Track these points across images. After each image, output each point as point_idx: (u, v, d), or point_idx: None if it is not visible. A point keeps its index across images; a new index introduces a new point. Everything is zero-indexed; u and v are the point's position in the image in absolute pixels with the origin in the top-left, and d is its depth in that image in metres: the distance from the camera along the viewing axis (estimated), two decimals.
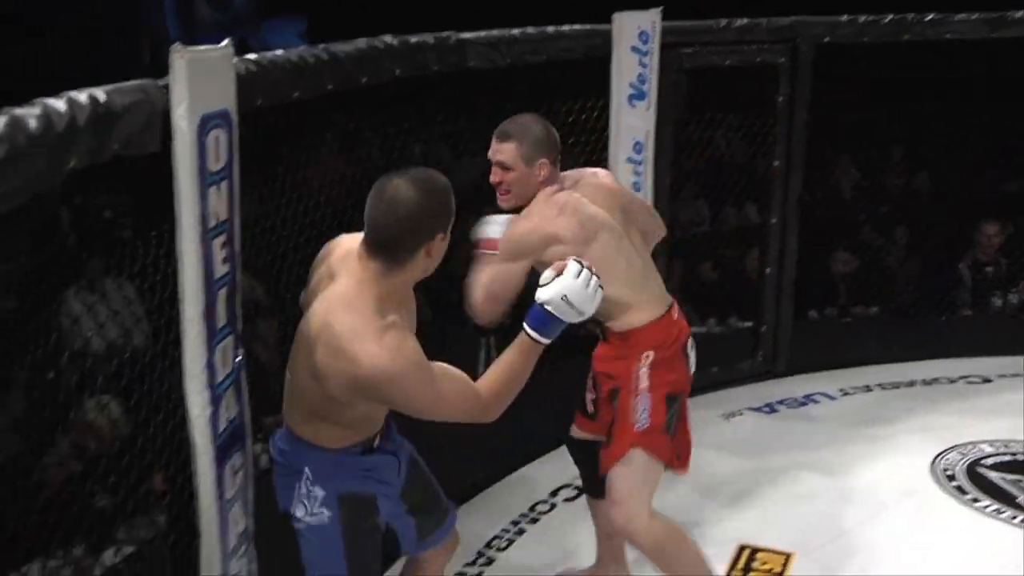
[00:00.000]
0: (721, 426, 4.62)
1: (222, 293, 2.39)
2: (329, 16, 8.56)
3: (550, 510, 3.89)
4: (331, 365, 2.15)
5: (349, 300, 2.17)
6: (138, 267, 2.38)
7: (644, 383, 2.84)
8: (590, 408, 3.08)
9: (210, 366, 2.37)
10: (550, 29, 3.98)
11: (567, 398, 3.17)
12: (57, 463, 2.84)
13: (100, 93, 2.02)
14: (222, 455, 2.44)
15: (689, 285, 5.49)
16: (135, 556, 2.56)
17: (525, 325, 2.31)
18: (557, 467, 3.81)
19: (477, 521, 3.74)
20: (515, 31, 3.85)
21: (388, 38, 3.23)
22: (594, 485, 3.11)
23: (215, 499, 2.42)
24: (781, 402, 4.88)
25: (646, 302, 2.87)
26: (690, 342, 2.95)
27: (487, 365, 2.88)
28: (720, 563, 3.50)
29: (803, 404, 4.87)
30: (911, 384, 5.08)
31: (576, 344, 3.10)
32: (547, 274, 2.33)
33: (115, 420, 2.62)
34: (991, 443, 4.33)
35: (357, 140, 3.51)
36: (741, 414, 4.76)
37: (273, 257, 2.95)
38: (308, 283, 2.37)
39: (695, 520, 3.78)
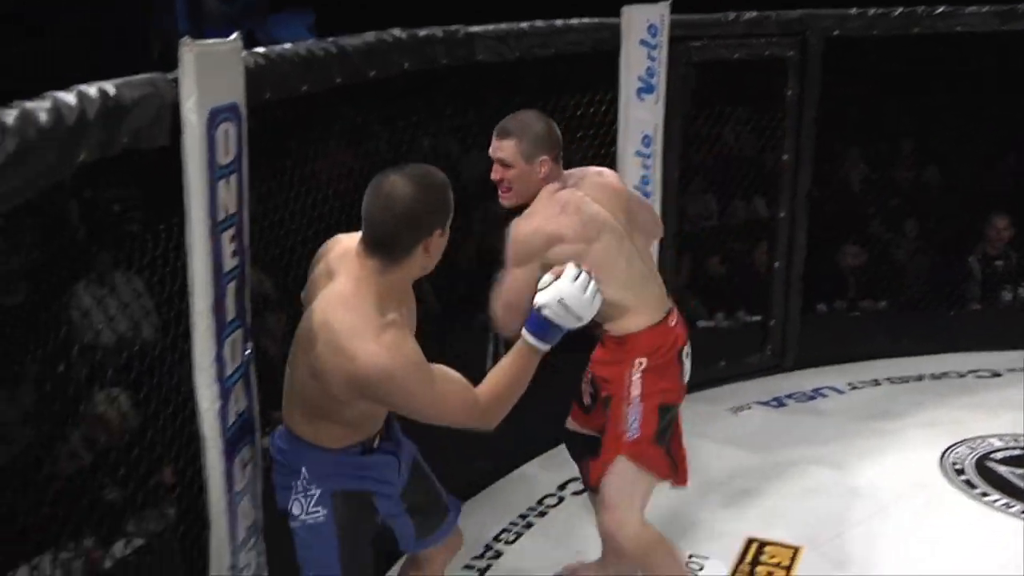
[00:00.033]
0: (729, 420, 4.62)
1: (231, 286, 2.39)
2: (337, 9, 8.56)
3: (558, 504, 3.90)
4: (330, 363, 2.15)
5: (348, 298, 2.16)
6: (147, 260, 2.38)
7: (636, 390, 2.81)
8: (587, 400, 3.06)
9: (219, 359, 2.37)
10: (559, 23, 3.98)
11: (576, 393, 3.17)
12: (68, 455, 2.86)
13: (109, 87, 2.02)
14: (231, 448, 2.44)
15: (698, 279, 5.49)
16: (145, 548, 2.57)
17: (524, 330, 2.30)
18: (565, 461, 3.81)
19: (485, 514, 3.74)
20: (524, 24, 3.84)
21: (396, 31, 3.22)
22: (590, 480, 3.10)
23: (224, 492, 2.42)
24: (789, 396, 4.87)
25: (644, 306, 2.84)
26: (686, 349, 2.91)
27: (495, 360, 2.88)
28: (728, 557, 3.51)
29: (811, 398, 4.87)
30: (920, 378, 5.07)
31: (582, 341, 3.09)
32: (545, 278, 2.33)
33: (125, 413, 2.62)
34: (1000, 437, 4.32)
35: (365, 133, 3.51)
36: (749, 408, 4.75)
37: (282, 250, 2.95)
38: (307, 282, 2.37)
39: (703, 514, 3.79)
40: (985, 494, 3.90)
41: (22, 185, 1.72)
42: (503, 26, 3.74)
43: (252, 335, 2.53)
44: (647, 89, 4.20)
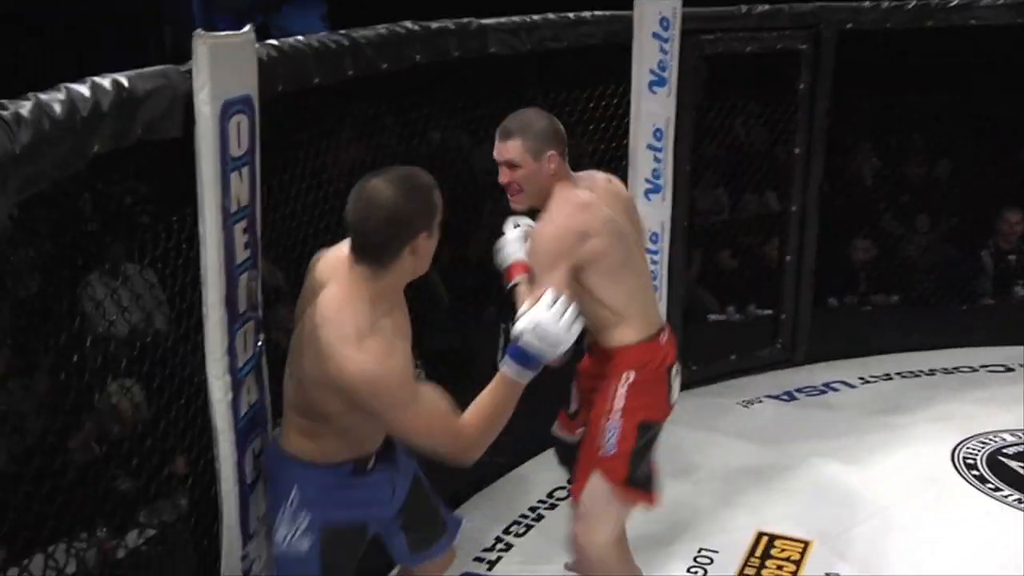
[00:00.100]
0: (740, 414, 4.62)
1: (243, 278, 2.41)
2: (349, 1, 8.56)
3: (568, 497, 3.89)
4: (318, 370, 2.14)
5: (337, 305, 2.15)
6: (160, 252, 2.39)
7: (619, 403, 2.75)
8: (573, 407, 3.00)
9: (231, 351, 2.38)
10: (571, 15, 3.97)
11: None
12: (81, 446, 2.87)
13: (123, 78, 2.03)
14: (243, 439, 2.45)
15: (709, 273, 5.48)
16: (157, 539, 2.58)
17: (502, 362, 2.24)
18: None
19: (496, 506, 3.75)
20: (536, 17, 3.84)
21: (409, 24, 3.22)
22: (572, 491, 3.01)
23: (236, 483, 2.44)
24: (800, 390, 4.86)
25: (640, 319, 2.78)
26: (675, 368, 2.85)
27: (506, 351, 2.88)
28: (738, 550, 3.51)
29: (822, 392, 4.86)
30: (932, 373, 5.06)
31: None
32: (524, 307, 2.27)
33: (138, 404, 2.64)
34: (1012, 432, 4.31)
35: (377, 126, 3.52)
36: (760, 402, 4.75)
37: (294, 242, 2.96)
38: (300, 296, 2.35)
39: (713, 507, 3.79)
40: (997, 489, 3.89)
41: (36, 176, 1.73)
42: (515, 19, 3.75)
43: (264, 327, 2.54)
44: (659, 82, 4.19)
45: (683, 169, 4.47)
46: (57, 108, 1.80)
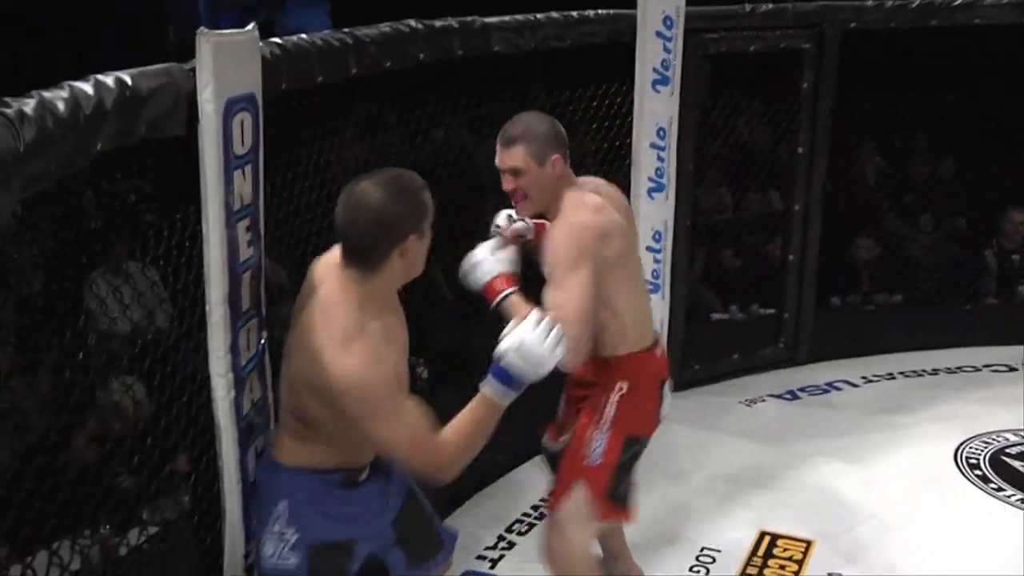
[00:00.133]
0: (742, 413, 4.62)
1: (246, 276, 2.41)
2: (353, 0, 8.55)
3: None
4: (306, 373, 2.14)
5: (327, 308, 2.15)
6: (163, 250, 2.39)
7: (610, 414, 2.70)
8: (560, 415, 2.94)
9: (234, 349, 2.39)
10: (574, 14, 3.98)
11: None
12: (84, 443, 2.87)
13: (126, 76, 2.04)
14: (246, 437, 2.46)
15: (712, 272, 5.48)
16: (160, 536, 2.58)
17: (483, 383, 2.21)
18: None
19: (498, 505, 3.75)
20: (539, 16, 3.84)
21: (412, 22, 3.22)
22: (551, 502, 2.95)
23: (238, 481, 2.44)
24: (803, 389, 4.86)
25: (637, 328, 2.73)
26: (668, 382, 2.82)
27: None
28: (741, 549, 3.51)
29: (825, 391, 4.86)
30: (935, 372, 5.06)
31: None
32: (509, 327, 2.23)
33: (140, 401, 2.64)
34: (1015, 432, 4.31)
35: (380, 124, 3.52)
36: (763, 401, 4.75)
37: (297, 240, 2.96)
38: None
39: (715, 506, 3.79)
40: (999, 489, 3.89)
41: (40, 174, 1.73)
42: (519, 17, 3.75)
43: (267, 325, 2.54)
44: (662, 81, 4.19)
45: (686, 168, 4.47)
46: (61, 106, 1.81)
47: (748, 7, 4.51)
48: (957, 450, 4.17)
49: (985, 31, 4.87)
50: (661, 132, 4.24)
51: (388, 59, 3.06)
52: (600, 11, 4.09)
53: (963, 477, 3.98)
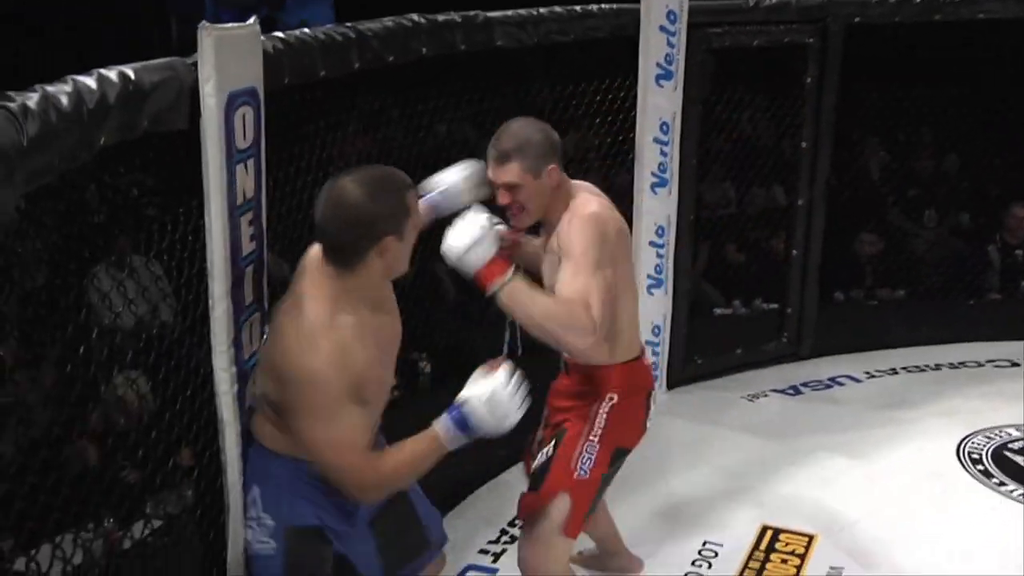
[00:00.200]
0: (745, 407, 4.62)
1: (249, 271, 2.41)
2: None
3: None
4: (276, 361, 2.14)
5: (301, 300, 2.15)
6: (166, 244, 2.40)
7: (599, 426, 2.65)
8: (534, 449, 2.86)
9: (237, 343, 2.39)
10: (577, 8, 3.98)
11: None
12: (88, 437, 2.88)
13: (129, 70, 2.04)
14: (249, 431, 2.46)
15: (715, 266, 5.48)
16: (163, 530, 2.59)
17: (437, 421, 2.18)
18: None
19: (501, 499, 3.76)
20: (543, 10, 3.84)
21: (415, 16, 3.22)
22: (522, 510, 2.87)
23: (241, 475, 2.44)
24: (806, 384, 4.86)
25: (628, 336, 2.68)
26: (654, 393, 2.78)
27: (511, 346, 2.87)
28: (743, 544, 3.51)
29: (828, 386, 4.86)
30: (938, 367, 5.05)
31: None
32: (477, 373, 2.18)
33: (143, 395, 2.64)
34: (1018, 427, 4.30)
35: (383, 119, 3.52)
36: (766, 396, 4.75)
37: (300, 235, 2.96)
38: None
39: (718, 500, 3.79)
40: (1002, 484, 3.89)
41: (43, 168, 1.73)
42: (522, 12, 3.75)
43: (270, 319, 2.54)
44: (666, 75, 4.19)
45: (689, 163, 4.47)
46: (64, 100, 1.81)
47: (751, 2, 4.50)
48: (959, 445, 4.17)
49: (989, 26, 4.86)
50: (664, 127, 4.24)
51: (391, 53, 3.06)
52: (603, 5, 4.08)
53: (965, 472, 3.98)
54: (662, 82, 4.18)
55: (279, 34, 2.64)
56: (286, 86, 2.59)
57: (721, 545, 3.52)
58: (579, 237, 2.44)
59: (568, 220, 2.51)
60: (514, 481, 3.95)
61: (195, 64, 2.19)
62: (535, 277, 2.61)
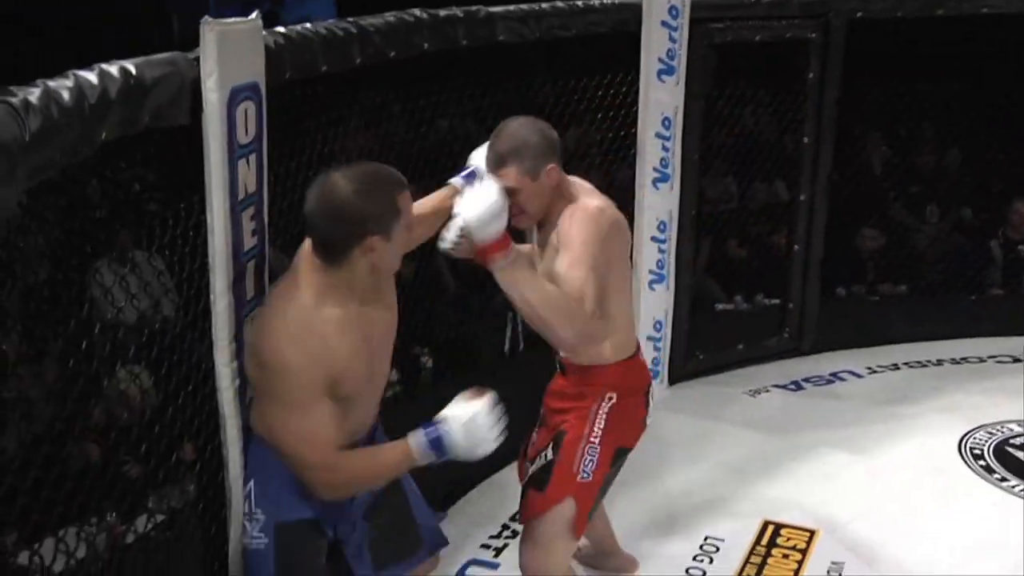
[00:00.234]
0: (747, 403, 4.62)
1: (251, 266, 2.41)
2: None
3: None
4: (258, 347, 2.16)
5: (289, 289, 2.17)
6: (168, 239, 2.40)
7: (599, 427, 2.63)
8: (530, 452, 2.83)
9: (239, 338, 2.39)
10: (579, 3, 3.97)
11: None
12: (90, 432, 2.89)
13: (131, 66, 2.04)
14: (250, 427, 2.46)
15: (717, 262, 5.48)
16: (166, 524, 2.60)
17: (412, 434, 2.17)
18: None
19: (503, 493, 3.76)
20: (544, 5, 3.84)
21: (417, 11, 3.22)
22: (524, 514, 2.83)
23: (243, 469, 2.45)
24: (807, 379, 4.86)
25: (624, 333, 2.66)
26: (652, 391, 2.77)
27: (512, 340, 2.88)
28: (744, 539, 3.52)
29: (830, 382, 4.86)
30: (939, 363, 5.05)
31: None
32: (461, 396, 2.19)
33: (146, 390, 2.65)
34: (1020, 423, 4.30)
35: (384, 114, 3.52)
36: (767, 391, 4.75)
37: (301, 230, 2.96)
38: None
39: (719, 495, 3.79)
40: (1003, 479, 3.89)
41: (45, 163, 1.73)
42: (524, 7, 3.75)
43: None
44: (668, 71, 4.19)
45: (691, 158, 4.47)
46: (65, 95, 1.81)
47: None
48: (961, 440, 4.17)
49: (992, 20, 4.85)
50: (666, 122, 4.24)
51: (392, 48, 3.06)
52: (605, 1, 4.08)
53: (967, 467, 3.98)
54: (664, 77, 4.18)
55: (281, 29, 2.64)
56: (288, 81, 2.59)
57: (722, 540, 3.52)
58: (579, 230, 2.43)
59: (569, 215, 2.49)
60: (515, 477, 3.96)
61: (197, 59, 2.19)
62: None
